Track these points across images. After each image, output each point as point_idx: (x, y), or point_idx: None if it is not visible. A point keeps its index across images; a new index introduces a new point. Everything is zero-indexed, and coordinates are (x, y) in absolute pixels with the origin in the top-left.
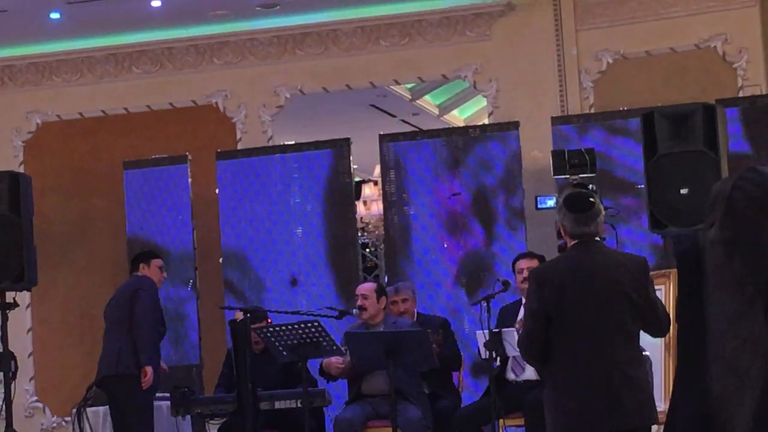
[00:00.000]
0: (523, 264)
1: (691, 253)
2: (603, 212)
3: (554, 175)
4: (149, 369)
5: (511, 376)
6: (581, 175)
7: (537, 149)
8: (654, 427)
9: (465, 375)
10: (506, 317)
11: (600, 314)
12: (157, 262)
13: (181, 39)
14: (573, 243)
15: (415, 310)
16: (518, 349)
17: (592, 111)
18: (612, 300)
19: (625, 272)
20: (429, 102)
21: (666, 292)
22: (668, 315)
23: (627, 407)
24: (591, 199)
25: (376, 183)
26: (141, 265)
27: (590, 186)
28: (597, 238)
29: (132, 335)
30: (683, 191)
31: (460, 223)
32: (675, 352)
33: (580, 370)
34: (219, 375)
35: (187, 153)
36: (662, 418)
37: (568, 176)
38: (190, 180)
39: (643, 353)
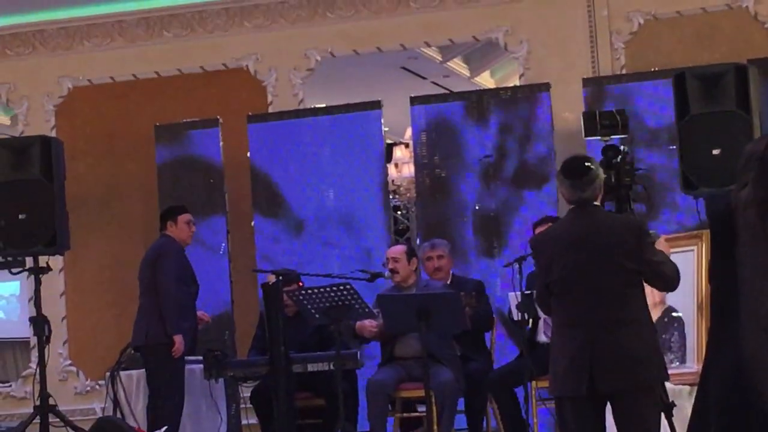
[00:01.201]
0: (540, 230)
1: (724, 214)
2: (601, 178)
3: (585, 136)
4: (178, 338)
5: (542, 338)
6: (613, 137)
7: (568, 111)
8: (669, 385)
9: (498, 337)
10: (534, 281)
11: (590, 279)
12: (184, 218)
13: (212, 2)
14: (570, 208)
15: (451, 270)
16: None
17: (624, 72)
18: (602, 265)
19: (618, 238)
20: (460, 64)
21: (698, 253)
22: (676, 271)
23: (612, 370)
24: (587, 165)
25: (407, 145)
26: (168, 224)
27: (622, 147)
28: (596, 203)
29: (159, 303)
30: (715, 152)
31: (491, 185)
32: (708, 313)
33: (570, 333)
34: (252, 338)
35: (218, 116)
36: (695, 379)
37: (599, 137)
38: (221, 143)
39: (674, 314)
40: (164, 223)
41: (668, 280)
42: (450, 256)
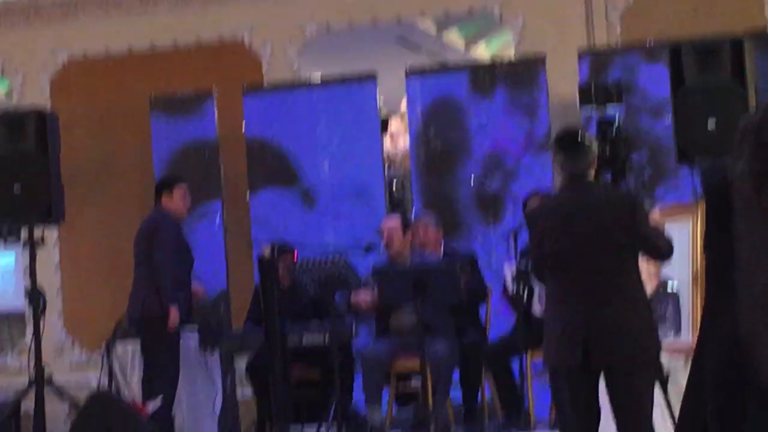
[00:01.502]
0: (532, 203)
1: (720, 186)
2: (595, 150)
3: (581, 108)
4: (173, 310)
5: (537, 310)
6: (608, 108)
7: (564, 82)
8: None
9: (493, 308)
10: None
11: (583, 253)
12: (180, 190)
13: None
14: (563, 181)
15: (441, 242)
16: None
17: (619, 43)
18: (596, 239)
19: (612, 211)
20: (455, 36)
21: (693, 225)
22: (670, 243)
23: (606, 345)
24: (581, 137)
25: (402, 117)
26: (164, 196)
27: (615, 117)
28: (589, 176)
29: (154, 276)
30: (710, 124)
31: (487, 156)
32: (703, 285)
33: (564, 306)
34: (247, 310)
35: (213, 88)
36: (690, 351)
37: (594, 109)
38: (216, 115)
39: (669, 286)
40: (159, 195)
41: (662, 252)
42: (438, 228)
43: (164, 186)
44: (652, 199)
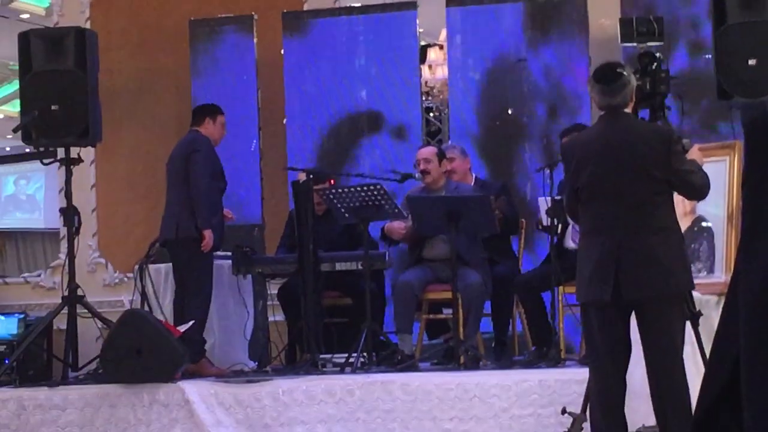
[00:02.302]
0: (566, 138)
1: (759, 123)
2: (633, 85)
3: (621, 43)
4: (208, 233)
5: (569, 244)
6: (648, 44)
7: (604, 17)
8: (697, 295)
9: (525, 241)
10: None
11: (617, 186)
12: (222, 119)
13: None
14: (600, 115)
15: (471, 173)
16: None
17: None
18: (630, 172)
19: (647, 145)
20: None
21: (730, 163)
22: (706, 180)
23: (638, 278)
24: (618, 70)
25: (441, 47)
26: (206, 120)
27: (657, 54)
28: (627, 110)
29: (190, 198)
30: (751, 62)
31: (526, 90)
32: (738, 224)
33: (596, 239)
34: (281, 236)
35: (253, 13)
36: (723, 289)
37: (635, 44)
38: (255, 40)
39: (703, 224)
40: (201, 118)
41: (697, 189)
42: (464, 158)
43: (208, 111)
44: (689, 136)
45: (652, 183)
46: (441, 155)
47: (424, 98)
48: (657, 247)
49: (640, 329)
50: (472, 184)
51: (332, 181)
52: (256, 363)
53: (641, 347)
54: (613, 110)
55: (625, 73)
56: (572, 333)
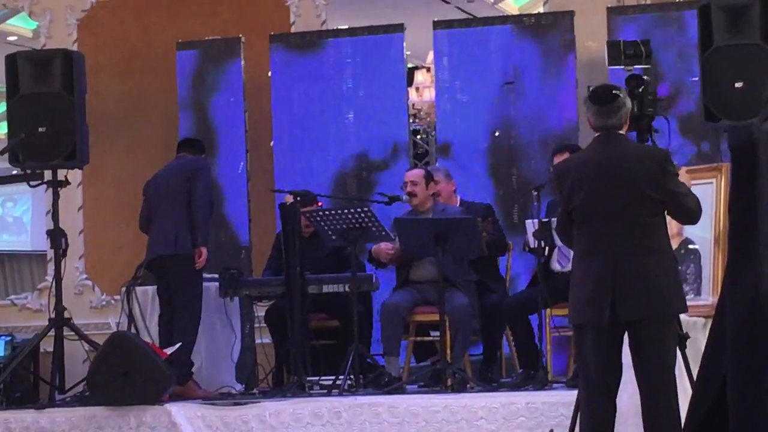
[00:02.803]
0: (559, 157)
1: (745, 146)
2: (628, 107)
3: (609, 65)
4: (204, 250)
5: (556, 266)
6: (636, 66)
7: (591, 39)
8: (684, 317)
9: (513, 263)
10: (554, 209)
11: (611, 208)
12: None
13: None
14: (595, 136)
15: (456, 195)
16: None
17: (649, 2)
18: (626, 193)
19: (642, 166)
20: None
21: (717, 186)
22: (698, 203)
23: (634, 299)
24: (615, 92)
25: (428, 69)
26: (198, 152)
27: (644, 78)
28: (621, 132)
29: (190, 215)
30: (738, 85)
31: (513, 113)
32: (725, 246)
33: (592, 261)
34: (268, 258)
35: (240, 35)
36: (710, 311)
37: (622, 67)
38: (242, 62)
39: (690, 246)
40: (196, 150)
41: (691, 212)
42: (448, 181)
43: (200, 147)
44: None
45: (648, 204)
46: (429, 177)
47: (411, 120)
48: (653, 268)
49: (632, 349)
50: (458, 205)
51: (319, 204)
52: (243, 385)
53: (631, 369)
54: (608, 132)
55: (621, 95)
56: (560, 355)
